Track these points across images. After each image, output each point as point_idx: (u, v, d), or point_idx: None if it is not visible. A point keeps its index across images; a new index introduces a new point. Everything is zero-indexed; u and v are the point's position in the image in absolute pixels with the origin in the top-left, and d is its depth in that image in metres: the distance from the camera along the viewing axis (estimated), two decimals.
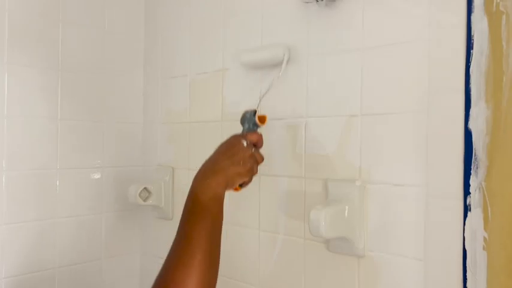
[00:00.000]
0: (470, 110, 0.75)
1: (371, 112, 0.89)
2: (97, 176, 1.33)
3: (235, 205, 1.14)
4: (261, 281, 1.08)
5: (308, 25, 0.99)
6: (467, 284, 0.75)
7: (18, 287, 1.17)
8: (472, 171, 0.75)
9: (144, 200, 1.29)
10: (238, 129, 1.14)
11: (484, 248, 0.73)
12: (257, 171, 0.85)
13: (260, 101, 0.93)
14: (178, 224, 0.77)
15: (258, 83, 1.08)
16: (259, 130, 0.90)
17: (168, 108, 1.35)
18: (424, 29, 0.82)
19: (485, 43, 0.74)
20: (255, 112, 0.89)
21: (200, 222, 0.74)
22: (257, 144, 0.86)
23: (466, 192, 0.76)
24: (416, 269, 0.81)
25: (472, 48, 0.75)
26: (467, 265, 0.75)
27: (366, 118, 0.89)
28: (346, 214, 0.88)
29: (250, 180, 0.86)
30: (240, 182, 0.83)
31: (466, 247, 0.75)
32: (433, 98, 0.80)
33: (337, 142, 0.94)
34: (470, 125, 0.75)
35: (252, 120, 0.89)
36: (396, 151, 0.85)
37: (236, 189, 0.85)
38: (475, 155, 0.75)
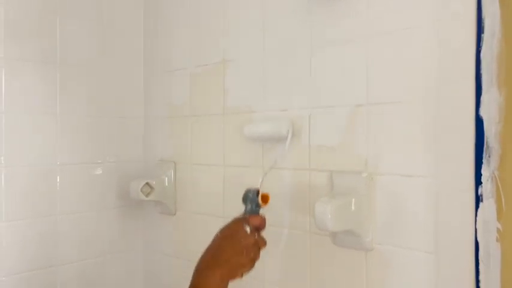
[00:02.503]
0: (482, 96, 0.73)
1: (378, 101, 0.86)
2: (98, 171, 1.31)
3: (239, 199, 1.12)
4: (266, 276, 1.06)
5: (311, 13, 0.96)
6: (480, 277, 0.73)
7: (19, 285, 1.16)
8: (483, 161, 0.72)
9: (146, 196, 1.27)
10: (239, 123, 1.12)
11: (497, 240, 0.71)
12: (259, 256, 0.81)
13: (262, 179, 0.88)
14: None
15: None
16: (261, 211, 0.86)
17: (169, 102, 1.32)
18: (432, 14, 0.79)
19: (497, 26, 0.71)
20: (258, 192, 0.85)
21: None
22: (259, 228, 0.83)
23: (478, 182, 0.73)
24: (426, 263, 0.79)
25: (483, 32, 0.72)
26: (479, 257, 0.73)
27: (372, 107, 0.87)
28: (352, 206, 0.85)
29: (252, 267, 0.81)
30: (243, 272, 0.79)
31: (479, 239, 0.73)
32: (442, 85, 0.77)
33: (343, 133, 0.91)
34: (482, 113, 0.73)
35: (254, 201, 0.85)
36: (404, 141, 0.82)
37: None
38: (486, 143, 0.72)
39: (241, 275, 0.81)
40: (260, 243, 0.81)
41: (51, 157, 1.21)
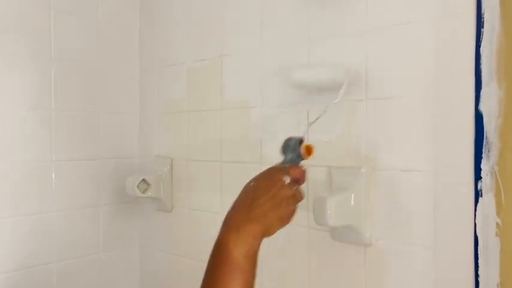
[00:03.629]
0: (481, 91, 0.72)
1: (377, 96, 0.86)
2: (94, 168, 1.30)
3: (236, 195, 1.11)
4: (264, 272, 1.05)
5: (310, 9, 0.96)
6: (479, 272, 0.73)
7: (15, 283, 1.14)
8: (483, 155, 0.72)
9: (143, 192, 1.26)
10: (238, 118, 1.12)
11: (497, 234, 0.71)
12: (296, 212, 0.72)
13: (308, 128, 0.79)
14: (203, 276, 0.67)
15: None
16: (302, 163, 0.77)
17: (166, 98, 1.31)
18: (432, 8, 0.78)
19: (497, 20, 0.70)
20: (300, 141, 0.75)
21: (231, 284, 0.63)
22: (299, 182, 0.73)
23: (477, 176, 0.73)
24: (425, 258, 0.79)
25: (483, 27, 0.72)
26: (479, 252, 0.73)
27: (371, 102, 0.86)
28: (352, 202, 0.85)
29: (288, 223, 0.72)
30: (281, 228, 0.70)
31: (478, 234, 0.73)
32: (442, 79, 0.77)
33: (342, 128, 0.91)
34: (481, 107, 0.72)
35: (296, 151, 0.75)
36: (403, 136, 0.82)
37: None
38: (486, 138, 0.72)
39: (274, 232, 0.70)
40: (298, 197, 0.71)
41: (45, 153, 1.20)
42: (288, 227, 0.99)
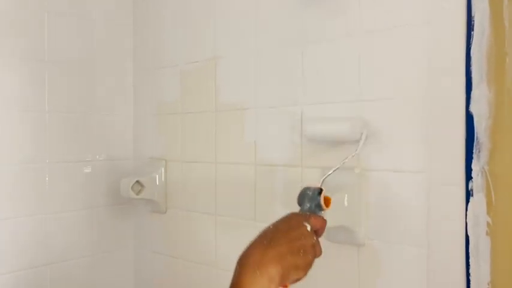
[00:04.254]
0: (472, 92, 0.74)
1: (369, 98, 0.86)
2: (88, 169, 1.30)
3: (231, 197, 1.11)
4: None
5: (303, 10, 0.97)
6: (471, 270, 0.74)
7: (9, 285, 1.14)
8: (474, 156, 0.73)
9: (137, 194, 1.26)
10: (232, 120, 1.12)
11: (487, 233, 0.72)
12: (313, 265, 0.67)
13: (325, 178, 0.76)
14: None
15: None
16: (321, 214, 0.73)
17: (159, 99, 1.32)
18: (423, 11, 0.79)
19: (487, 23, 0.72)
20: (320, 191, 0.72)
21: None
22: (319, 232, 0.69)
23: (468, 177, 0.74)
24: (418, 257, 0.80)
25: (473, 30, 0.73)
26: (470, 251, 0.74)
27: (364, 104, 0.87)
28: (345, 202, 0.86)
29: (305, 275, 0.65)
30: (295, 277, 0.64)
31: (469, 233, 0.74)
32: (433, 81, 0.78)
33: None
34: (472, 108, 0.74)
35: (315, 200, 0.71)
36: (396, 137, 0.83)
37: (285, 287, 0.64)
38: (476, 138, 0.73)
39: (291, 282, 0.64)
40: (317, 249, 0.66)
41: (39, 155, 1.20)
42: None
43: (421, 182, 0.79)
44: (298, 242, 0.63)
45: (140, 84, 1.38)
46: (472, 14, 0.73)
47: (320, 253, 0.67)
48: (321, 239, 0.69)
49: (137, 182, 1.26)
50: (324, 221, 0.70)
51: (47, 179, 1.21)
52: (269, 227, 0.66)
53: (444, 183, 0.77)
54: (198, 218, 1.19)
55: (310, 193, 0.72)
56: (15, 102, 1.15)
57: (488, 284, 0.72)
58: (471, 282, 0.74)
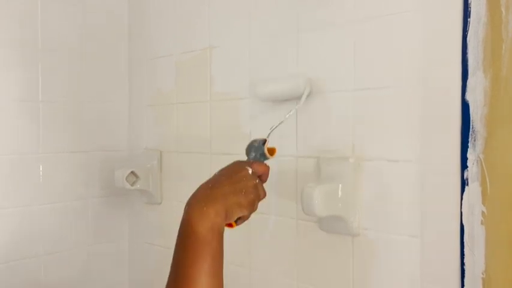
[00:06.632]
0: (467, 80, 0.73)
1: (364, 87, 0.86)
2: (82, 160, 1.29)
3: None
4: (252, 263, 1.06)
5: None
6: (465, 260, 0.73)
7: (3, 276, 1.13)
8: (469, 144, 0.73)
9: (132, 185, 1.25)
10: (227, 110, 1.11)
11: (482, 223, 0.71)
12: (257, 207, 0.74)
13: (271, 131, 0.83)
14: (172, 256, 0.66)
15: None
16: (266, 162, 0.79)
17: (154, 89, 1.30)
18: None
19: (483, 10, 0.71)
20: (264, 141, 0.79)
21: (199, 260, 0.63)
22: (262, 177, 0.76)
23: (463, 166, 0.73)
24: (412, 247, 0.79)
25: (469, 17, 0.72)
26: (464, 241, 0.73)
27: (358, 93, 0.86)
28: (339, 192, 0.85)
29: (248, 216, 0.74)
30: (240, 214, 0.71)
31: (464, 222, 0.73)
32: (428, 69, 0.77)
33: (330, 119, 0.91)
34: (468, 97, 0.73)
35: (260, 150, 0.78)
36: (390, 126, 0.82)
37: (231, 226, 0.72)
38: (472, 127, 0.72)
39: (234, 223, 0.72)
40: (260, 191, 0.74)
41: (33, 146, 1.19)
42: (277, 218, 1.00)
43: (416, 172, 0.79)
44: (240, 183, 0.70)
45: (135, 74, 1.37)
46: (469, 1, 0.72)
47: (264, 195, 0.75)
48: (266, 185, 0.76)
49: (132, 172, 1.25)
50: (267, 167, 0.77)
51: (40, 169, 1.20)
52: (215, 174, 0.74)
53: (439, 172, 0.76)
54: None
55: (256, 144, 0.79)
56: (9, 92, 1.14)
57: (483, 273, 0.71)
58: (466, 272, 0.73)
